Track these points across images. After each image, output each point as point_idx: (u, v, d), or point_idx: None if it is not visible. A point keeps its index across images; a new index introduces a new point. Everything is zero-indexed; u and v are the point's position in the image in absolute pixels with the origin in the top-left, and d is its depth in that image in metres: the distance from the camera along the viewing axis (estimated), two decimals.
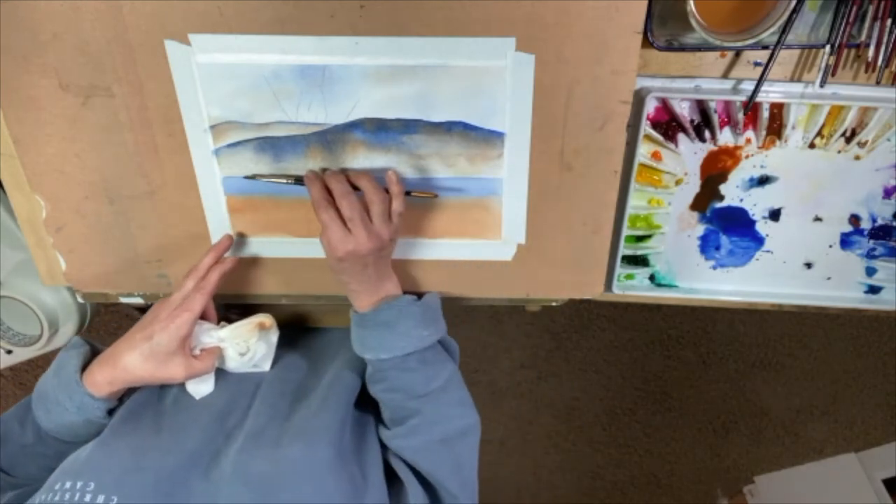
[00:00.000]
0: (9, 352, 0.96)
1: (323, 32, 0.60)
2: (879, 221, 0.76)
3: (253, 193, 0.69)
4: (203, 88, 0.63)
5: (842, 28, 0.62)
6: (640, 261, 0.79)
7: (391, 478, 0.63)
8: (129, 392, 0.64)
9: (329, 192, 0.61)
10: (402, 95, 0.64)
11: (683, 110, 0.70)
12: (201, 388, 0.66)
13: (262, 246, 0.73)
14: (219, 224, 0.71)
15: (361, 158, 0.67)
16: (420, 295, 0.69)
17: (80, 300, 0.79)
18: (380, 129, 0.65)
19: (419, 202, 0.69)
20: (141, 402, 0.64)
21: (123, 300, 0.77)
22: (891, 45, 0.63)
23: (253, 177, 0.67)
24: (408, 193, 0.66)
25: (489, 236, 0.72)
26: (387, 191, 0.63)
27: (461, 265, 0.74)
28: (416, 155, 0.67)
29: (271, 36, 0.60)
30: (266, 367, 0.69)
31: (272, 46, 0.61)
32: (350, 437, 0.63)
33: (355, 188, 0.62)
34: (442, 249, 0.73)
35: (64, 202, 0.69)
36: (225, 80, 0.63)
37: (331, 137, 0.66)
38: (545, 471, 2.18)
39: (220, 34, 0.60)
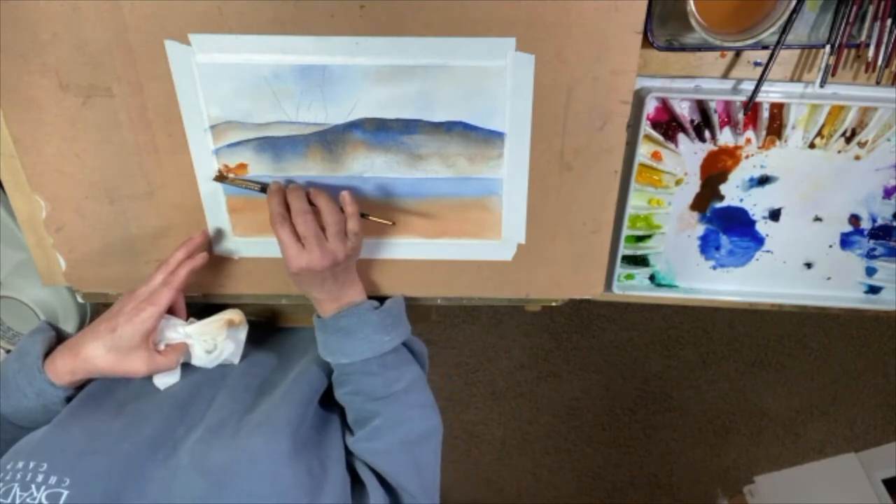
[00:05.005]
0: (9, 352, 0.96)
1: (323, 32, 0.60)
2: (879, 221, 0.76)
3: (253, 193, 0.69)
4: (203, 88, 0.63)
5: (842, 28, 0.62)
6: (640, 261, 0.79)
7: (354, 481, 0.64)
8: (89, 380, 0.64)
9: (289, 206, 0.62)
10: (403, 95, 0.64)
11: (683, 110, 0.70)
12: (166, 379, 0.65)
13: (262, 246, 0.73)
14: (218, 224, 0.71)
15: (361, 158, 0.67)
16: (384, 299, 0.70)
17: (80, 300, 0.79)
18: (380, 129, 0.65)
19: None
20: (102, 386, 0.64)
21: None
22: (891, 45, 0.63)
23: (223, 179, 0.67)
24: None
25: (489, 236, 0.72)
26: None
27: (461, 265, 0.74)
28: (416, 155, 0.67)
29: (271, 36, 0.60)
30: (234, 362, 0.70)
31: (272, 46, 0.61)
32: (310, 430, 0.64)
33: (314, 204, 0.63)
34: (442, 249, 0.73)
35: (64, 202, 0.69)
36: (225, 80, 0.63)
37: (331, 137, 0.66)
38: (545, 471, 2.18)
39: (220, 34, 0.60)
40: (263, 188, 0.66)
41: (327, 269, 0.62)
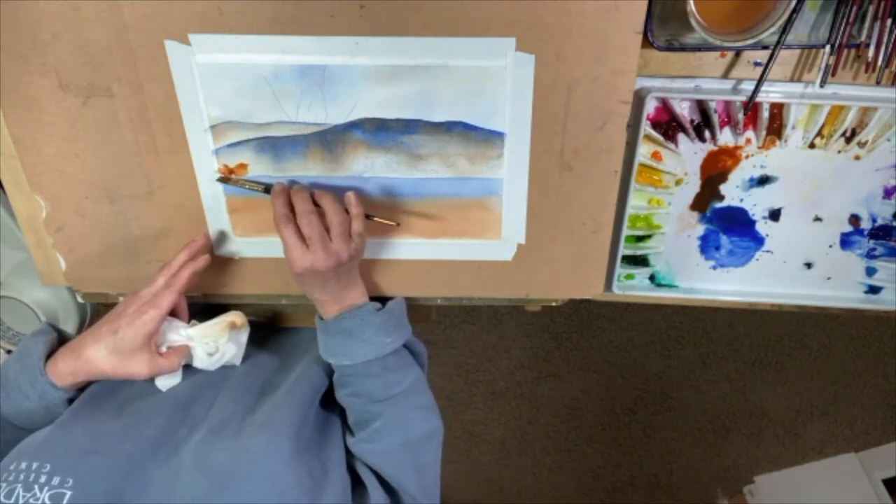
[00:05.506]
0: (9, 352, 0.96)
1: (323, 32, 0.60)
2: (879, 221, 0.76)
3: (253, 193, 0.69)
4: (203, 88, 0.63)
5: (842, 28, 0.62)
6: (640, 261, 0.79)
7: (354, 482, 0.64)
8: (91, 382, 0.64)
9: (293, 207, 0.62)
10: (402, 95, 0.64)
11: (683, 110, 0.70)
12: (168, 380, 0.66)
13: (262, 246, 0.73)
14: (219, 224, 0.71)
15: (361, 158, 0.67)
16: (386, 301, 0.70)
17: (80, 300, 0.79)
18: (380, 129, 0.65)
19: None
20: (104, 387, 0.64)
21: None
22: (891, 45, 0.63)
23: (227, 181, 0.67)
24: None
25: (489, 236, 0.72)
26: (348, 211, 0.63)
27: (461, 265, 0.74)
28: (416, 155, 0.67)
29: (271, 36, 0.60)
30: (236, 364, 0.70)
31: (272, 46, 0.61)
32: (311, 431, 0.64)
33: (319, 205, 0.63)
34: (442, 249, 0.73)
35: (64, 202, 0.69)
36: (225, 80, 0.63)
37: (331, 137, 0.66)
38: (545, 471, 2.18)
39: (220, 34, 0.60)
40: (267, 189, 0.66)
41: (331, 270, 0.62)
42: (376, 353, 0.65)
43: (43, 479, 0.51)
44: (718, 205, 0.75)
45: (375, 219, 0.67)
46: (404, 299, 0.73)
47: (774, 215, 0.76)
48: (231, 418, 0.62)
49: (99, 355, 0.60)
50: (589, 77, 0.63)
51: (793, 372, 1.95)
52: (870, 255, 0.78)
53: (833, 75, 0.65)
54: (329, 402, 0.70)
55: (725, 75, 0.67)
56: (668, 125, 0.71)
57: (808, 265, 0.79)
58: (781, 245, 0.78)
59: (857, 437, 2.04)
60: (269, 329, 0.81)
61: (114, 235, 0.71)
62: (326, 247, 0.61)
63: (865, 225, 0.76)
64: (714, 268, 0.80)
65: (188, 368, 0.67)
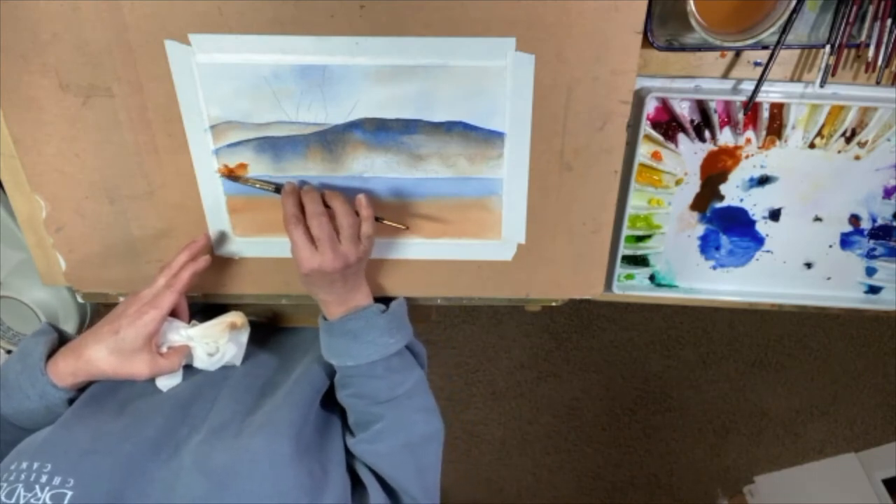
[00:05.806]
0: (9, 352, 0.96)
1: (323, 32, 0.60)
2: (879, 221, 0.76)
3: (253, 193, 0.69)
4: (203, 88, 0.63)
5: (842, 28, 0.62)
6: (640, 261, 0.79)
7: (354, 483, 0.64)
8: (92, 382, 0.64)
9: (303, 207, 0.62)
10: (402, 95, 0.64)
11: (683, 110, 0.70)
12: (169, 381, 0.66)
13: (262, 246, 0.73)
14: (219, 224, 0.71)
15: (361, 158, 0.67)
16: (389, 301, 0.70)
17: (80, 300, 0.79)
18: (380, 129, 0.65)
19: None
20: (105, 386, 0.64)
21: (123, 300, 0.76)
22: (891, 45, 0.63)
23: (236, 179, 0.67)
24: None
25: (489, 236, 0.72)
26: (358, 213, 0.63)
27: (461, 265, 0.74)
28: (416, 155, 0.67)
29: (271, 36, 0.60)
30: (236, 365, 0.70)
31: (272, 46, 0.61)
32: (311, 432, 0.64)
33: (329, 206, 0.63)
34: (442, 249, 0.73)
35: (64, 202, 0.69)
36: (225, 80, 0.63)
37: (331, 137, 0.66)
38: (545, 471, 2.18)
39: (220, 34, 0.60)
40: (277, 189, 0.66)
41: (338, 272, 0.62)
42: (380, 354, 0.65)
43: (44, 479, 0.51)
44: (718, 205, 0.75)
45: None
46: (405, 299, 0.73)
47: (774, 215, 0.76)
48: (231, 418, 0.62)
49: (100, 355, 0.60)
50: (589, 77, 0.63)
51: (793, 372, 1.95)
52: (870, 255, 0.78)
53: (833, 75, 0.65)
54: (329, 402, 0.70)
55: (725, 75, 0.67)
56: (668, 125, 0.71)
57: (808, 265, 0.79)
58: (781, 245, 0.78)
59: (857, 437, 2.04)
60: (270, 329, 0.81)
61: (114, 235, 0.71)
62: (335, 248, 0.61)
63: (865, 225, 0.76)
64: (714, 268, 0.80)
65: (188, 369, 0.67)
